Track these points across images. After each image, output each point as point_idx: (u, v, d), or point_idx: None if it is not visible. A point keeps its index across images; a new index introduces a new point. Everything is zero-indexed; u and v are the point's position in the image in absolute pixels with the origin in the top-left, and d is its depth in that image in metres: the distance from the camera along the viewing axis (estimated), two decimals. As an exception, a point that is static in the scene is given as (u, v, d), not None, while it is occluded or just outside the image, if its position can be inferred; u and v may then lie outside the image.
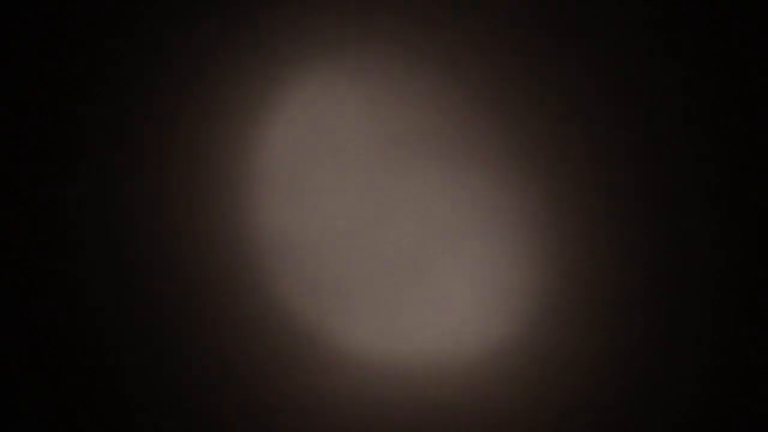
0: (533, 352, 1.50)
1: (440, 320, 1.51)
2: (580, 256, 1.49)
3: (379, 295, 1.52)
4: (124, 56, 1.57)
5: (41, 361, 1.57)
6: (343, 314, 1.53)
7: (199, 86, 1.56)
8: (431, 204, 1.51)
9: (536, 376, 1.50)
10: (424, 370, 1.51)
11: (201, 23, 1.56)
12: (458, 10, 1.52)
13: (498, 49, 1.52)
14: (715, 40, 1.49)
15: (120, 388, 1.56)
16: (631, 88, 1.50)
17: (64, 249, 1.58)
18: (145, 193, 1.56)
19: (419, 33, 1.53)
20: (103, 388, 1.57)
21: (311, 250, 1.53)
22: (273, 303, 1.54)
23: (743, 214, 1.48)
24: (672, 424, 1.48)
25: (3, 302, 1.58)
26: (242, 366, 1.55)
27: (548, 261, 1.50)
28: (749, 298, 1.47)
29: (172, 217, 1.56)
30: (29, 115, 1.59)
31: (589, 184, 1.50)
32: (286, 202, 1.54)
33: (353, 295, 1.52)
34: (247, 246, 1.55)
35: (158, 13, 1.57)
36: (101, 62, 1.58)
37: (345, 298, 1.53)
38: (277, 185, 1.54)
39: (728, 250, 1.47)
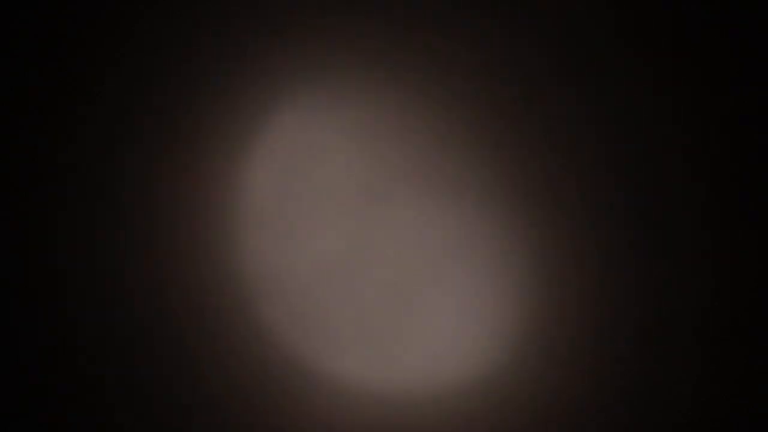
0: (517, 382, 1.50)
1: (427, 349, 1.51)
2: (565, 288, 1.50)
3: (365, 323, 1.52)
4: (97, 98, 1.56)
5: (21, 385, 1.56)
6: (330, 343, 1.52)
7: (180, 120, 1.55)
8: (418, 234, 1.51)
9: (520, 405, 1.50)
10: (411, 398, 1.51)
11: (182, 53, 1.55)
12: (447, 37, 1.52)
13: (488, 78, 1.52)
14: (709, 79, 1.50)
15: (102, 415, 1.55)
16: (623, 121, 1.51)
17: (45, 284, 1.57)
18: (129, 229, 1.55)
19: (407, 61, 1.53)
20: (85, 418, 1.55)
21: (297, 279, 1.53)
22: (259, 332, 1.54)
23: (734, 245, 1.49)
24: None
25: None
26: (228, 396, 1.54)
27: (534, 291, 1.50)
28: (736, 332, 1.48)
29: (157, 252, 1.55)
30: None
31: (578, 214, 1.50)
32: (271, 231, 1.53)
33: (339, 324, 1.52)
34: (233, 275, 1.54)
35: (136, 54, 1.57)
36: (78, 96, 1.57)
37: (331, 327, 1.52)
38: (262, 215, 1.54)
39: (718, 291, 1.49)
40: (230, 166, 1.54)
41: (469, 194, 1.51)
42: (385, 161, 1.52)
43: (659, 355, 1.48)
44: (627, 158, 1.50)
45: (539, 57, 1.51)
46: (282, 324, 1.53)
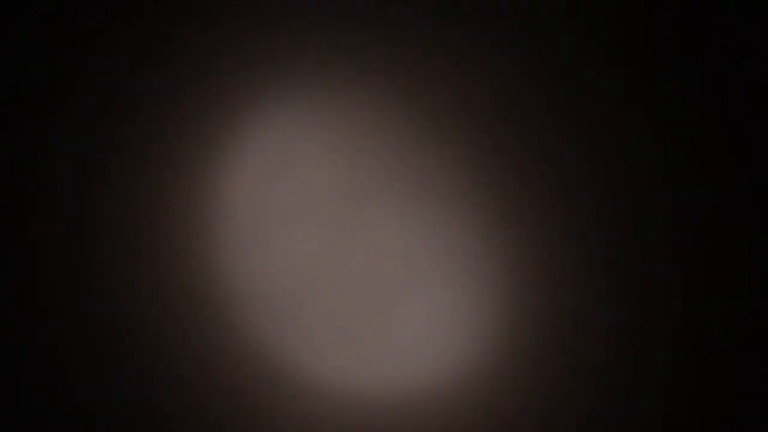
0: (492, 387, 1.50)
1: (405, 352, 1.51)
2: (542, 292, 1.50)
3: (344, 328, 1.52)
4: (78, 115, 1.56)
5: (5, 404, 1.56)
6: (309, 347, 1.52)
7: (161, 127, 1.55)
8: (397, 240, 1.51)
9: (494, 410, 1.50)
10: (389, 401, 1.51)
11: (162, 61, 1.55)
12: (428, 48, 1.52)
13: (468, 88, 1.52)
14: (697, 113, 1.50)
15: (82, 417, 1.55)
16: (606, 140, 1.50)
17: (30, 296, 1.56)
18: (110, 236, 1.55)
19: (389, 72, 1.53)
20: (65, 419, 1.55)
21: (277, 284, 1.53)
22: (239, 335, 1.53)
23: (707, 256, 1.49)
24: None
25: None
26: (209, 398, 1.53)
27: (511, 298, 1.50)
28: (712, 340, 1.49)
29: (138, 258, 1.55)
30: None
31: (557, 223, 1.50)
32: (253, 237, 1.53)
33: (319, 328, 1.52)
34: (214, 280, 1.54)
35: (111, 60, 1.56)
36: (52, 111, 1.56)
37: (310, 331, 1.52)
38: (244, 221, 1.53)
39: (694, 299, 1.49)
40: (212, 174, 1.54)
41: (448, 202, 1.50)
42: (366, 169, 1.52)
43: (634, 363, 1.48)
44: (608, 170, 1.50)
45: (520, 68, 1.51)
46: (262, 327, 1.53)
